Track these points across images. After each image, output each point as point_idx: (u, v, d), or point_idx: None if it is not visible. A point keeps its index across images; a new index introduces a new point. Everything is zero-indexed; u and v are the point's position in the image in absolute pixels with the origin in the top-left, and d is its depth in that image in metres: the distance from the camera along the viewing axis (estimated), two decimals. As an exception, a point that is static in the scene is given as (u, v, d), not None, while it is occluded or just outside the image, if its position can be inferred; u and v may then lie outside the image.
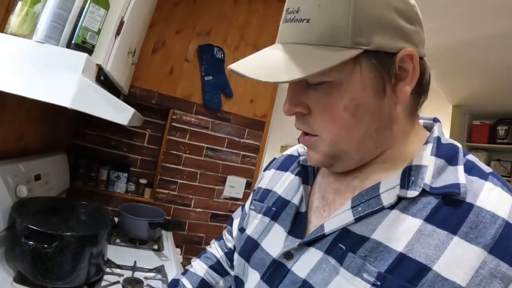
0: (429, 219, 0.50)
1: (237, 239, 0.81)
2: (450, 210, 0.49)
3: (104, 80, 1.34)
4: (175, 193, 2.35)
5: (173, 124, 2.33)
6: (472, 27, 2.55)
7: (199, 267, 0.92)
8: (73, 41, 1.10)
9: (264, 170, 0.89)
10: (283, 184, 0.76)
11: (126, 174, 2.18)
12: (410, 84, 0.54)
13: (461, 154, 0.56)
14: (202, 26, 2.40)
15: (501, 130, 4.49)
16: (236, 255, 0.77)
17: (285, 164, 0.81)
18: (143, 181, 2.27)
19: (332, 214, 0.59)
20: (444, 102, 4.59)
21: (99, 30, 1.16)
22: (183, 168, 2.37)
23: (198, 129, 2.42)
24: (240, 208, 0.96)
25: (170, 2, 2.26)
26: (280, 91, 2.73)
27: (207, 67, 2.37)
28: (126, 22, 1.34)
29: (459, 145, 0.58)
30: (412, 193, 0.52)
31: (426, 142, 0.58)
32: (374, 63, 0.52)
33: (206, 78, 2.37)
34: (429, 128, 0.65)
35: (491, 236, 0.46)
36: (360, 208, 0.55)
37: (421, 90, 0.60)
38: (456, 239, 0.47)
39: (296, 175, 0.74)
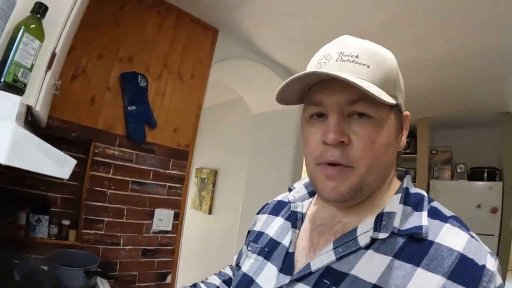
0: (397, 256, 0.63)
1: (234, 276, 0.97)
2: (415, 247, 0.63)
3: (30, 120, 1.22)
4: (103, 232, 2.32)
5: (95, 158, 2.32)
6: None
7: (213, 279, 1.07)
8: (2, 79, 0.96)
9: (258, 213, 1.04)
10: (275, 227, 0.89)
11: (47, 217, 2.12)
12: (405, 136, 0.76)
13: (426, 202, 0.71)
14: (124, 51, 2.46)
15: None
16: None
17: (276, 209, 0.96)
18: (66, 222, 2.22)
19: (317, 254, 0.71)
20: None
21: (32, 65, 1.05)
22: (109, 205, 2.37)
23: (122, 163, 2.43)
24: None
25: (91, 24, 2.23)
26: (202, 116, 2.86)
27: (130, 96, 2.40)
28: (58, 53, 1.23)
29: (425, 194, 0.73)
30: (383, 235, 0.65)
31: (398, 192, 0.73)
32: (398, 114, 0.73)
33: (129, 108, 2.38)
34: (401, 178, 0.80)
35: (448, 266, 0.58)
36: (340, 249, 0.68)
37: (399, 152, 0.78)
38: (419, 269, 0.59)
39: (286, 219, 0.89)
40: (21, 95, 0.99)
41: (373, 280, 0.61)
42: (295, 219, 0.84)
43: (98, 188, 2.29)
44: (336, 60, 0.69)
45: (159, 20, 2.58)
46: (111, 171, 2.35)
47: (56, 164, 0.99)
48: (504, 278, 3.70)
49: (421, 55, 3.00)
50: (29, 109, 1.15)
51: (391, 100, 0.67)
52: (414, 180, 4.31)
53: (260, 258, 0.83)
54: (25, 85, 1.03)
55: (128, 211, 2.42)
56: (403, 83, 0.77)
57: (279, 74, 3.67)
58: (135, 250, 2.45)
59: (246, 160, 4.41)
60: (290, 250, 0.78)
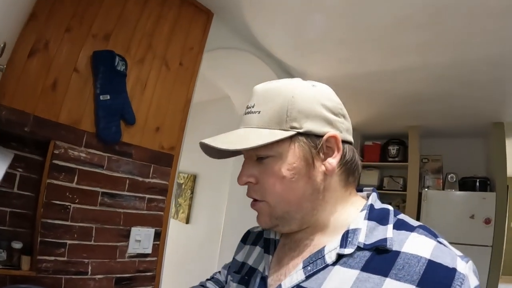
0: (364, 268, 0.62)
1: None
2: (381, 259, 0.62)
3: None
4: (65, 258, 1.72)
5: (54, 161, 1.71)
6: (379, 61, 2.96)
7: (212, 286, 1.05)
8: None
9: (242, 242, 1.01)
10: (253, 256, 0.90)
11: None
12: (335, 159, 0.72)
13: (391, 216, 0.70)
14: (100, 26, 1.86)
15: (393, 149, 4.96)
16: None
17: (256, 240, 0.95)
18: (17, 245, 1.62)
19: (288, 276, 0.72)
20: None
21: None
22: (72, 223, 1.75)
23: (90, 168, 1.84)
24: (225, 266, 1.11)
25: None
26: (191, 118, 2.36)
27: (104, 82, 1.86)
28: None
29: (391, 208, 0.73)
30: (348, 250, 0.65)
31: (363, 209, 0.73)
32: (305, 141, 0.71)
33: (101, 97, 1.85)
34: (369, 197, 0.79)
35: (416, 273, 0.57)
36: (309, 268, 0.68)
37: (348, 168, 0.76)
38: (388, 280, 0.58)
39: (262, 247, 0.89)
40: None
41: None
42: (267, 245, 0.85)
43: (58, 202, 1.70)
44: (243, 115, 0.78)
45: (144, -8, 2.04)
46: (76, 179, 1.76)
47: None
48: (495, 287, 3.75)
49: (424, 60, 2.86)
50: None
51: (279, 136, 0.69)
52: (404, 189, 4.27)
53: (241, 287, 0.84)
54: None
55: (98, 231, 1.83)
56: (311, 107, 0.72)
57: (274, 71, 3.19)
58: (107, 279, 1.87)
59: (230, 165, 3.85)
60: (264, 274, 0.80)
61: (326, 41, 2.73)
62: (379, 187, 5.00)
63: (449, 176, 4.45)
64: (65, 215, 1.72)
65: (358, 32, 2.51)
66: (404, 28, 2.37)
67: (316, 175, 0.72)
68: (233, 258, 1.00)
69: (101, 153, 1.86)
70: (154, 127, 2.10)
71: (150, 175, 2.08)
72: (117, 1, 1.92)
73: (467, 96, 3.50)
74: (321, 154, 0.72)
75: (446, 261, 0.57)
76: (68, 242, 1.72)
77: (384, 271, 0.60)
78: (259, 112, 0.73)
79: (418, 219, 4.31)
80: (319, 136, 0.71)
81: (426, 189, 4.46)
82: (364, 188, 0.83)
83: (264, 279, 0.78)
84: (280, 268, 0.77)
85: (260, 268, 0.83)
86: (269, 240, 0.86)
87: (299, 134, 0.70)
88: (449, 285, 0.55)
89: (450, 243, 0.63)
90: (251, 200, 0.79)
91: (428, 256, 0.58)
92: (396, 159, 4.88)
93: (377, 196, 0.77)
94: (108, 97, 1.83)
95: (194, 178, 4.56)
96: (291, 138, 0.70)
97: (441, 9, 2.10)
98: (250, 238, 1.00)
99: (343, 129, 0.75)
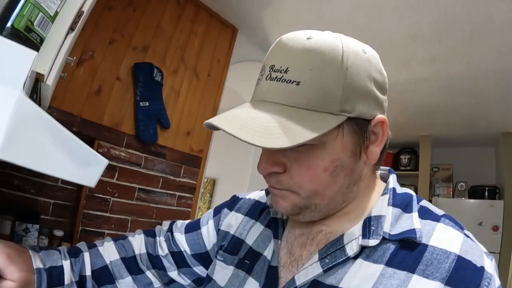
0: (389, 263, 0.53)
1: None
2: (407, 252, 0.53)
3: (34, 100, 0.77)
4: None
5: None
6: (391, 72, 2.98)
7: (110, 249, 0.83)
8: (8, 24, 0.56)
9: (230, 209, 0.84)
10: (254, 235, 0.74)
11: (37, 226, 1.62)
12: (379, 146, 0.58)
13: (415, 202, 0.60)
14: (139, 39, 2.01)
15: (404, 158, 4.92)
16: None
17: (254, 211, 0.79)
18: (59, 233, 1.72)
19: (301, 267, 0.60)
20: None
21: (56, 14, 0.66)
22: (111, 215, 1.89)
23: (129, 166, 1.97)
24: (184, 223, 0.91)
25: (104, 5, 1.81)
26: None
27: (143, 90, 1.97)
28: (84, 14, 0.85)
29: (413, 193, 0.62)
30: (373, 242, 0.55)
31: (384, 193, 0.61)
32: (354, 128, 0.55)
33: (141, 104, 1.96)
34: (385, 178, 0.68)
35: (445, 270, 0.50)
36: (327, 260, 0.57)
37: (383, 150, 0.62)
38: (415, 277, 0.50)
39: (266, 226, 0.74)
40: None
41: None
42: (276, 228, 0.70)
43: (99, 195, 1.82)
44: (266, 78, 0.55)
45: (178, 10, 2.16)
46: (116, 175, 1.89)
47: (78, 164, 0.59)
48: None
49: (434, 72, 2.87)
50: (37, 81, 0.71)
51: (329, 125, 0.51)
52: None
53: (241, 273, 0.69)
54: (42, 40, 0.62)
55: (133, 222, 1.95)
56: (363, 83, 0.54)
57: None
58: (139, 268, 1.95)
59: (249, 169, 3.91)
60: (273, 264, 0.66)
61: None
62: (391, 195, 4.93)
63: (459, 184, 4.42)
64: (105, 207, 1.84)
65: (371, 45, 2.55)
66: (414, 42, 2.43)
67: (358, 166, 0.58)
68: (219, 229, 0.83)
69: (139, 153, 1.98)
70: (186, 131, 2.22)
71: (181, 175, 2.19)
72: (154, 17, 2.05)
73: (477, 107, 3.49)
74: (366, 141, 0.57)
75: (474, 258, 0.51)
76: (106, 231, 1.84)
77: (410, 267, 0.51)
78: (297, 83, 0.51)
79: (429, 225, 4.33)
80: (367, 121, 0.56)
81: (436, 197, 4.44)
82: (378, 167, 0.71)
83: (273, 270, 0.65)
84: (291, 257, 0.65)
85: (266, 254, 0.68)
86: (277, 220, 0.71)
87: (348, 118, 0.53)
88: (478, 284, 0.49)
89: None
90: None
91: (457, 252, 0.51)
92: (408, 168, 4.86)
93: (396, 179, 0.65)
94: (147, 104, 1.96)
95: (213, 182, 4.63)
96: (339, 124, 0.53)
97: (448, 26, 2.17)
98: (242, 205, 0.83)
99: (385, 110, 0.60)
